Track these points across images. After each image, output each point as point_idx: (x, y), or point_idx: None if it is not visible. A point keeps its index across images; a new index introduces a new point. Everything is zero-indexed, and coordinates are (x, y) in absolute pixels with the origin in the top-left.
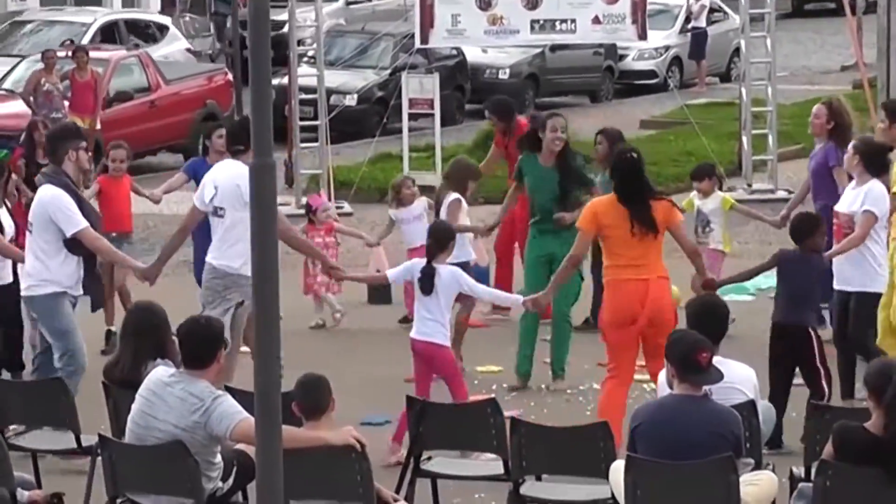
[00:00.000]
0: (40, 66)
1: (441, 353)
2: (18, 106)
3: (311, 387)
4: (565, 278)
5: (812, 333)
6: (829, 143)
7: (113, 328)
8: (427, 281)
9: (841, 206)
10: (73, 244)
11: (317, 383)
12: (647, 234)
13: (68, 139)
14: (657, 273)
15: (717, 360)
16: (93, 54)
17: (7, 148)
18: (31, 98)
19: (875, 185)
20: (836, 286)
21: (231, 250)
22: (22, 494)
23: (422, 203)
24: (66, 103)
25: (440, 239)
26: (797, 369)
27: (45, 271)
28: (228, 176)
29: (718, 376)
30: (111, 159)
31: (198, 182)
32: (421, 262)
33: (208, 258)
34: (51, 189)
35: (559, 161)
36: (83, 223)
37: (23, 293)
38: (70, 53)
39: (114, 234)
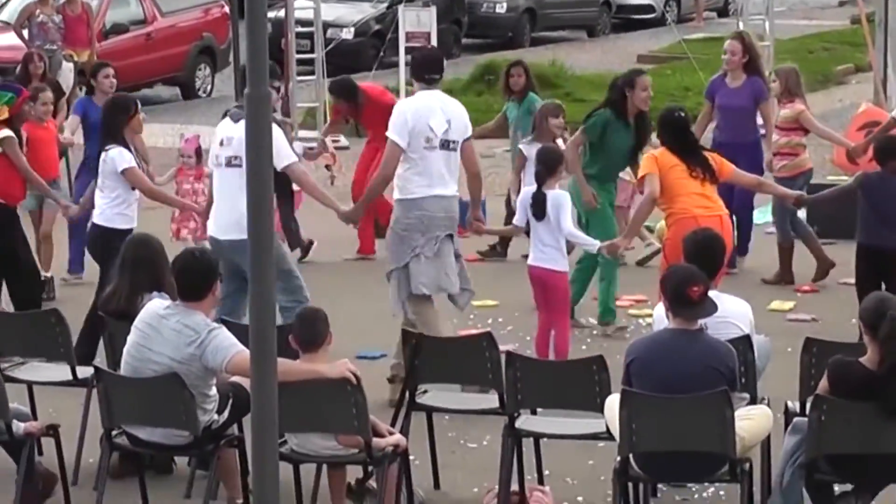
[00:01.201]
0: None
1: (555, 278)
2: (13, 38)
3: (309, 319)
4: (644, 219)
5: None
6: (750, 78)
7: (49, 274)
8: (538, 206)
9: None
10: (279, 180)
11: (314, 316)
12: (706, 177)
13: None
14: (724, 210)
15: (713, 295)
16: None
17: (13, 91)
18: (25, 30)
19: None
20: None
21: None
22: (17, 426)
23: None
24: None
25: (548, 163)
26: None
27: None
28: (455, 108)
29: (712, 309)
30: (41, 101)
31: (87, 122)
32: (531, 189)
33: (445, 192)
34: None
35: (639, 117)
36: (294, 156)
37: (219, 236)
38: None
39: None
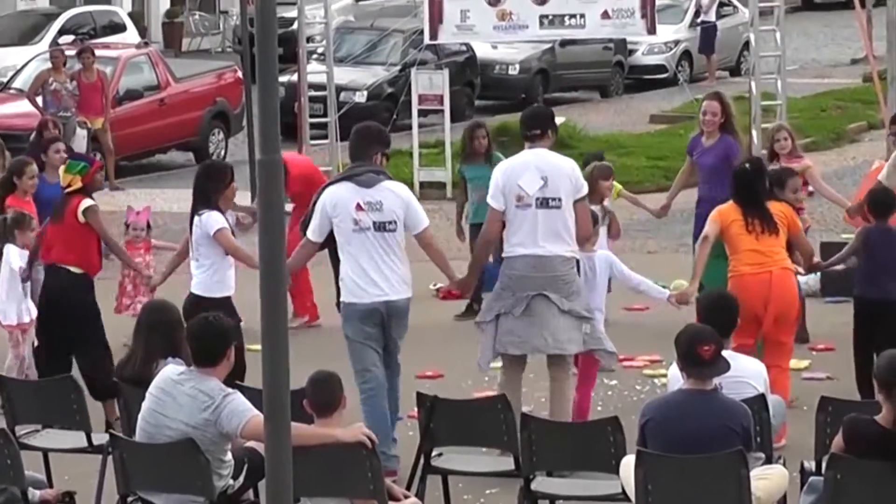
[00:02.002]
0: (49, 65)
1: None
2: (27, 105)
3: (323, 384)
4: (705, 259)
5: None
6: (725, 137)
7: None
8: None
9: None
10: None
11: (328, 380)
12: (764, 231)
13: (379, 143)
14: (780, 265)
15: (728, 355)
16: (103, 52)
17: (85, 161)
18: (39, 97)
19: None
20: None
21: (570, 238)
22: (34, 494)
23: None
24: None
25: None
26: None
27: (408, 273)
28: (555, 164)
29: (724, 368)
30: (28, 175)
31: (37, 198)
32: None
33: (538, 251)
34: (401, 185)
35: None
36: (427, 220)
37: (395, 297)
38: (76, 53)
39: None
